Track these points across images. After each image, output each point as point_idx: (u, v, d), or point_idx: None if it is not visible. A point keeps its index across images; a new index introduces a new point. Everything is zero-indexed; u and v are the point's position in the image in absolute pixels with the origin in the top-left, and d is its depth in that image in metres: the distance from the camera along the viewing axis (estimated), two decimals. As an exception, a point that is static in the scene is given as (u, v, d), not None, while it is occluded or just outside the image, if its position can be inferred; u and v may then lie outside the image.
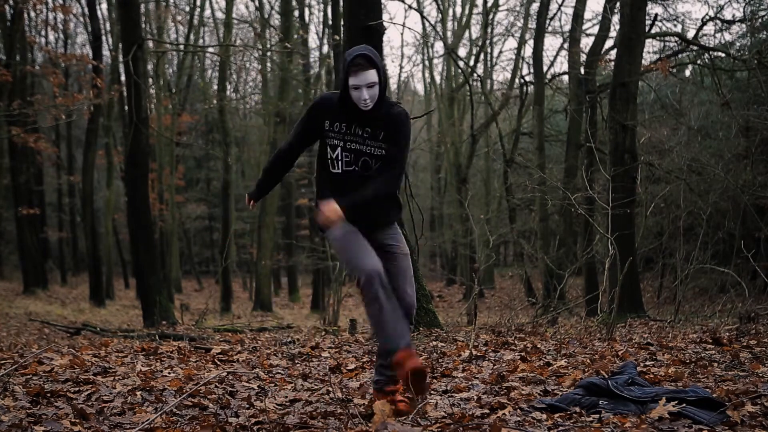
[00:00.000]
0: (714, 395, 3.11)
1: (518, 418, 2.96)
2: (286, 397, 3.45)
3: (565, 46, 20.65)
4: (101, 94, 17.52)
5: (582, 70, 16.77)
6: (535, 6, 21.59)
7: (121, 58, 13.80)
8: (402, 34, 45.86)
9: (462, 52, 26.05)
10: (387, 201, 3.18)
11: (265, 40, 22.25)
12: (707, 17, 15.16)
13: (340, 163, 3.11)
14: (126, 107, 14.66)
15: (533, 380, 3.85)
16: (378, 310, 2.98)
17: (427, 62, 29.13)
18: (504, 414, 3.03)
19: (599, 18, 17.93)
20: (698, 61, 15.39)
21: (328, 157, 3.13)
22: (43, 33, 26.15)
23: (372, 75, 2.93)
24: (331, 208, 3.01)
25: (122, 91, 18.05)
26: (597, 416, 2.95)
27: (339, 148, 3.09)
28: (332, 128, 3.09)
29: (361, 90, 2.94)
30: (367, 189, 3.06)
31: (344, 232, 3.09)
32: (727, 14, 29.17)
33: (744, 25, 15.40)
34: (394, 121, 3.07)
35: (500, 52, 51.49)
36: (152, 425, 2.81)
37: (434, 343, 5.57)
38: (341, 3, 12.93)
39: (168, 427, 2.82)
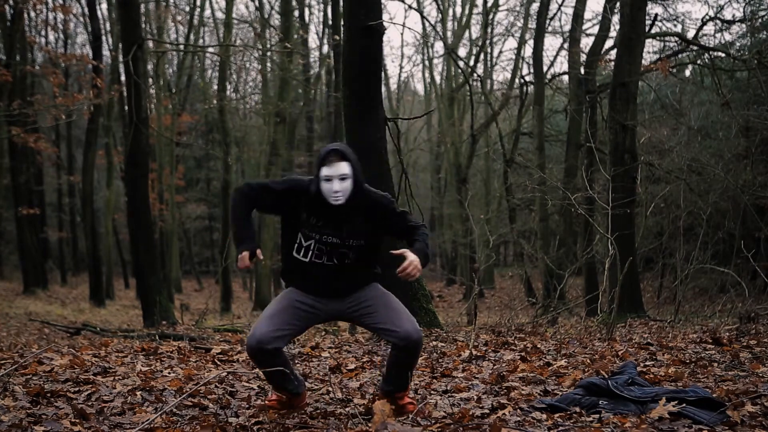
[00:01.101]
0: (714, 395, 3.11)
1: (518, 418, 2.96)
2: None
3: (565, 46, 20.66)
4: (101, 94, 17.51)
5: (582, 70, 16.77)
6: (535, 6, 21.60)
7: (121, 58, 13.79)
8: (402, 34, 45.85)
9: (462, 52, 26.07)
10: (355, 276, 3.10)
11: (265, 40, 22.25)
12: (707, 17, 15.16)
13: (310, 253, 3.04)
14: (126, 107, 14.65)
15: (533, 380, 3.85)
16: (257, 367, 3.11)
17: (427, 62, 29.15)
18: (504, 414, 3.03)
19: (599, 18, 17.95)
20: (698, 61, 15.39)
21: (298, 242, 3.06)
22: (43, 33, 26.16)
23: (344, 167, 2.90)
24: (243, 258, 2.99)
25: (122, 91, 18.04)
26: (597, 416, 2.95)
27: (313, 240, 3.02)
28: (309, 221, 3.02)
29: (333, 181, 2.90)
30: (419, 240, 3.05)
31: (283, 295, 3.12)
32: (727, 14, 29.17)
33: (744, 25, 15.40)
34: (377, 205, 3.04)
35: (500, 52, 51.47)
36: (152, 425, 2.81)
37: (434, 343, 5.57)
38: (341, 3, 12.92)
39: (168, 427, 2.82)
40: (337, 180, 2.90)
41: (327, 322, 3.36)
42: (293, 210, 3.03)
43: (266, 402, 3.27)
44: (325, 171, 2.91)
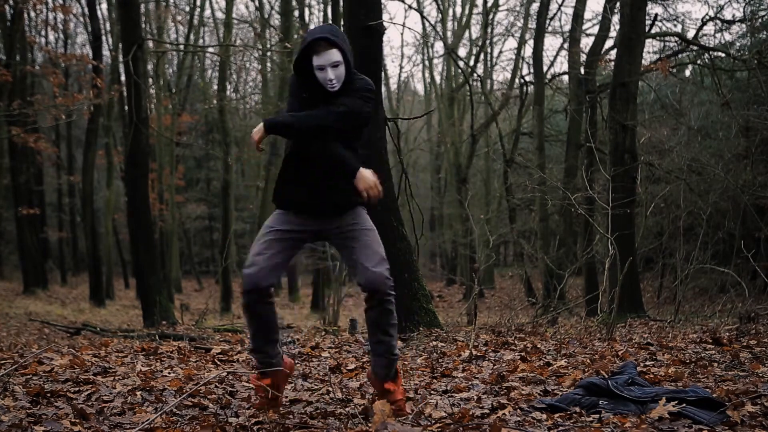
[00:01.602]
0: (714, 395, 3.11)
1: (518, 418, 2.96)
2: (286, 397, 3.44)
3: (565, 46, 20.67)
4: (101, 94, 17.51)
5: (582, 70, 16.78)
6: (535, 6, 21.62)
7: (121, 58, 13.80)
8: (402, 34, 45.89)
9: (462, 52, 26.08)
10: (348, 184, 2.98)
11: (265, 40, 22.26)
12: (707, 17, 15.17)
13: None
14: (126, 107, 14.66)
15: (533, 380, 3.85)
16: (248, 320, 3.04)
17: (427, 62, 29.17)
18: (504, 414, 3.03)
19: (599, 18, 17.96)
20: (698, 61, 15.40)
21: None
22: (43, 33, 26.17)
23: (335, 54, 2.82)
24: (256, 130, 2.95)
25: (122, 91, 18.05)
26: (597, 416, 2.95)
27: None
28: (307, 102, 2.96)
29: (326, 70, 2.83)
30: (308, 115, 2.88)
31: (267, 226, 3.02)
32: (727, 14, 29.19)
33: (744, 25, 15.41)
34: (361, 89, 2.95)
35: (500, 52, 51.51)
36: (152, 425, 2.81)
37: (434, 343, 5.57)
38: (341, 3, 12.94)
39: (168, 427, 2.82)
40: (330, 68, 2.83)
41: (314, 242, 3.24)
42: (298, 102, 2.97)
43: (257, 404, 3.20)
44: (316, 61, 2.83)
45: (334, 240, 3.07)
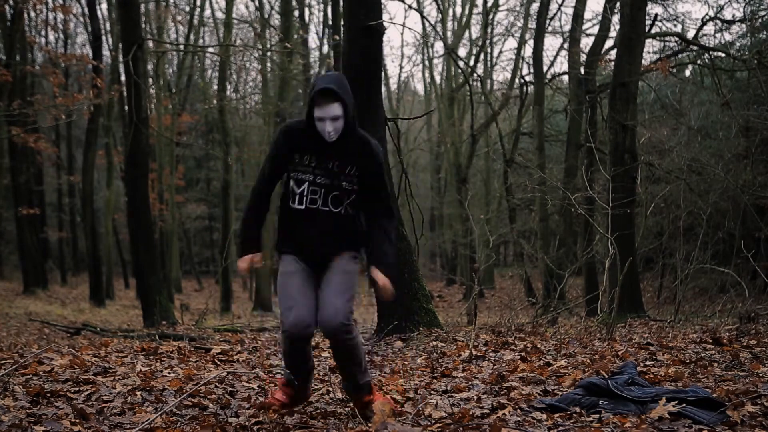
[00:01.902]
0: (714, 395, 3.11)
1: (518, 418, 2.96)
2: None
3: (565, 46, 20.66)
4: (101, 94, 17.51)
5: (582, 70, 16.77)
6: (535, 6, 21.61)
7: (121, 58, 13.79)
8: (402, 34, 45.87)
9: (462, 52, 26.07)
10: (345, 236, 3.09)
11: (265, 40, 22.24)
12: (707, 17, 15.17)
13: (304, 199, 3.02)
14: (126, 107, 14.65)
15: (533, 380, 3.85)
16: (290, 358, 3.10)
17: (427, 62, 29.16)
18: (504, 414, 3.03)
19: (599, 18, 17.95)
20: (698, 61, 15.39)
21: (291, 191, 3.05)
22: (43, 33, 26.16)
23: (336, 108, 2.89)
24: (243, 262, 3.10)
25: (122, 91, 18.04)
26: (597, 416, 2.95)
27: (306, 183, 3.01)
28: (302, 161, 3.02)
29: (325, 122, 2.90)
30: (385, 243, 3.05)
31: (285, 273, 3.08)
32: (727, 14, 29.18)
33: (744, 25, 15.40)
34: (364, 149, 3.02)
35: (500, 52, 51.47)
36: (152, 425, 2.81)
37: (434, 343, 5.57)
38: (341, 3, 12.92)
39: (168, 427, 2.82)
40: (329, 121, 2.90)
41: None
42: (290, 155, 3.04)
43: (267, 400, 3.26)
44: (317, 112, 2.90)
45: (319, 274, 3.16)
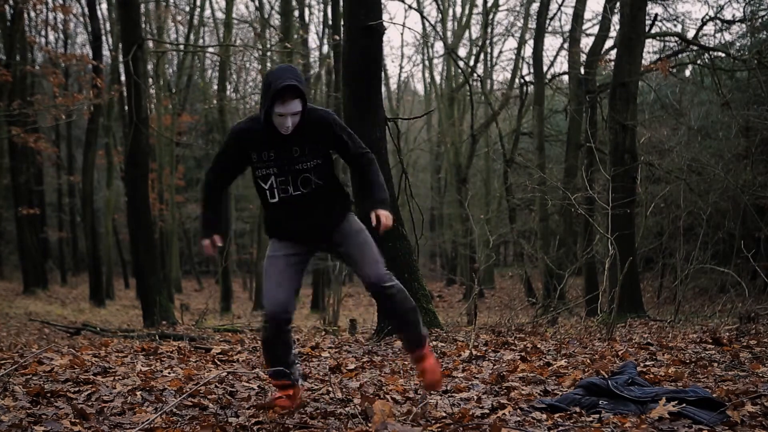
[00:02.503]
0: (714, 395, 3.11)
1: (518, 418, 2.96)
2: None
3: (565, 46, 20.67)
4: (101, 94, 17.51)
5: (582, 70, 16.77)
6: (535, 6, 21.62)
7: (121, 58, 13.79)
8: (402, 34, 45.89)
9: (462, 52, 26.08)
10: (329, 205, 3.15)
11: (265, 40, 22.25)
12: (707, 17, 15.17)
13: (276, 191, 3.09)
14: (126, 107, 14.66)
15: (533, 380, 3.85)
16: (269, 351, 3.19)
17: (427, 62, 29.17)
18: (504, 414, 3.03)
19: (599, 18, 17.96)
20: (698, 61, 15.39)
21: (261, 188, 3.12)
22: (43, 33, 26.16)
23: (297, 105, 2.92)
24: (205, 246, 3.17)
25: (122, 91, 18.05)
26: (597, 416, 2.95)
27: (273, 177, 3.07)
28: (261, 158, 3.06)
29: (286, 118, 2.92)
30: (374, 186, 3.12)
31: (270, 257, 3.16)
32: (727, 14, 29.18)
33: (744, 25, 15.40)
34: (320, 126, 3.05)
35: (500, 52, 51.48)
36: (152, 425, 2.81)
37: (434, 343, 5.57)
38: (341, 3, 12.92)
39: (168, 427, 2.82)
40: (290, 116, 2.93)
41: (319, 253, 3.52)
42: (246, 156, 3.09)
43: (278, 402, 3.24)
44: (278, 108, 2.91)
45: (333, 253, 3.28)
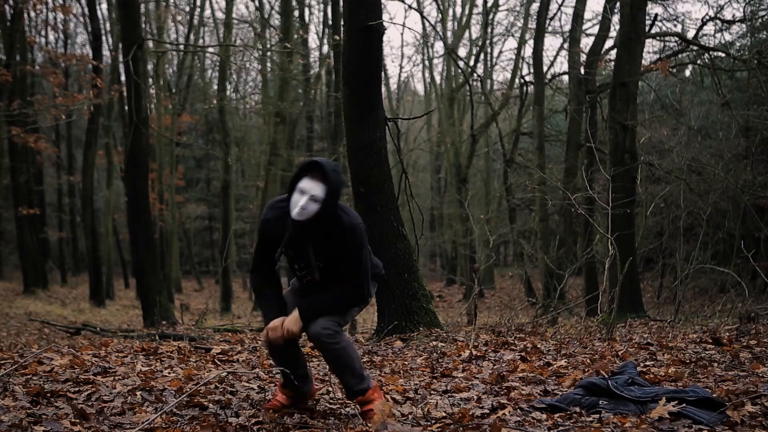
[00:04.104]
0: (714, 395, 3.11)
1: (518, 418, 2.96)
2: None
3: (565, 46, 20.66)
4: (101, 94, 17.52)
5: (582, 70, 16.77)
6: (535, 6, 21.61)
7: (121, 58, 13.81)
8: (402, 34, 45.86)
9: (462, 52, 26.06)
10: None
11: (265, 40, 22.25)
12: (707, 17, 15.17)
13: (296, 272, 3.15)
14: (126, 107, 14.66)
15: (533, 380, 3.85)
16: (277, 362, 3.24)
17: (427, 62, 29.17)
18: (504, 414, 3.03)
19: (599, 18, 17.95)
20: (698, 61, 15.38)
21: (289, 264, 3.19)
22: (43, 33, 26.14)
23: (318, 189, 2.85)
24: (272, 330, 3.05)
25: (122, 91, 18.04)
26: (597, 416, 2.95)
27: (294, 267, 3.13)
28: (284, 253, 3.06)
29: (304, 195, 2.86)
30: (329, 292, 3.04)
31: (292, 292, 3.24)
32: (727, 14, 29.11)
33: (744, 25, 15.40)
34: (341, 237, 2.98)
35: (500, 52, 51.56)
36: (152, 425, 2.81)
37: (434, 343, 5.57)
38: (341, 3, 12.92)
39: (168, 427, 2.82)
40: (308, 198, 2.86)
41: None
42: (271, 248, 3.06)
43: (268, 404, 3.27)
44: (302, 183, 2.88)
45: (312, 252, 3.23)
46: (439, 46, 28.70)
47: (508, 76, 29.68)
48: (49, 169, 28.15)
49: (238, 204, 29.65)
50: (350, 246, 2.98)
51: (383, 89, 10.27)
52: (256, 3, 23.24)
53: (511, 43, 50.87)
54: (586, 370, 4.06)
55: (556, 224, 18.38)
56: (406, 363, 4.58)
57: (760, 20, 15.03)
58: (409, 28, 29.36)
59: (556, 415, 3.01)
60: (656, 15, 15.39)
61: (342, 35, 6.59)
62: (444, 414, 3.06)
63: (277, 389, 3.36)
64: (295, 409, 3.22)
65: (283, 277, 5.16)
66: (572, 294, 16.30)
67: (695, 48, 14.71)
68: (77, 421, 2.87)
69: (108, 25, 22.63)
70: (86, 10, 21.10)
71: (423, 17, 21.18)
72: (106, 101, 19.88)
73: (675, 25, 18.43)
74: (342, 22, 6.92)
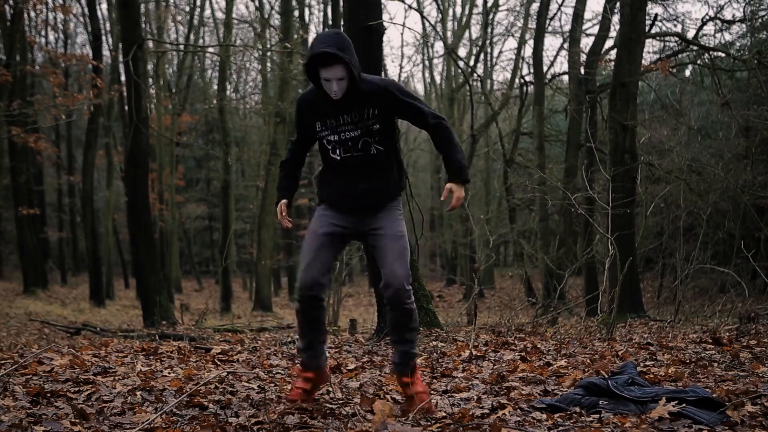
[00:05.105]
0: (714, 395, 3.11)
1: (518, 418, 2.96)
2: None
3: (565, 46, 20.67)
4: (101, 94, 17.52)
5: (582, 70, 16.77)
6: (535, 6, 21.61)
7: (121, 58, 13.81)
8: (402, 34, 45.89)
9: (462, 52, 26.08)
10: (387, 172, 3.20)
11: (265, 40, 22.26)
12: (707, 17, 15.17)
13: (338, 150, 3.16)
14: (126, 107, 14.66)
15: (533, 380, 3.85)
16: (300, 322, 3.25)
17: (427, 62, 29.23)
18: (504, 414, 3.03)
19: (599, 18, 17.96)
20: (698, 61, 15.38)
21: (325, 147, 3.20)
22: (43, 33, 26.16)
23: (340, 70, 2.95)
24: (279, 211, 3.33)
25: (122, 91, 18.05)
26: (597, 416, 2.95)
27: (334, 142, 3.14)
28: (324, 127, 3.14)
29: (331, 82, 2.98)
30: (452, 152, 3.14)
31: (312, 231, 3.24)
32: (727, 14, 29.12)
33: (744, 25, 15.40)
34: (376, 94, 3.07)
35: (500, 52, 51.57)
36: (152, 425, 2.81)
37: (434, 343, 5.57)
38: (341, 3, 12.92)
39: (168, 427, 2.82)
40: (336, 81, 2.97)
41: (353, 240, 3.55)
42: (313, 126, 3.17)
43: (289, 396, 3.31)
44: (323, 74, 2.97)
45: (367, 240, 3.27)
46: (439, 46, 28.74)
47: (508, 76, 29.71)
48: (49, 169, 28.16)
49: (238, 204, 29.66)
50: (393, 95, 3.09)
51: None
52: (256, 3, 23.26)
53: (511, 43, 50.92)
54: (586, 370, 4.06)
55: (556, 224, 18.38)
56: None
57: (760, 20, 15.03)
58: (409, 28, 29.50)
59: (556, 415, 3.01)
60: (656, 15, 15.40)
61: (342, 35, 6.58)
62: (444, 414, 3.06)
63: (296, 377, 3.39)
64: (314, 394, 3.29)
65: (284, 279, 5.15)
66: (572, 294, 16.30)
67: (695, 48, 14.71)
68: (77, 421, 2.87)
69: (108, 25, 22.65)
70: (86, 10, 21.12)
71: (423, 17, 21.20)
72: (106, 101, 19.89)
73: (675, 25, 18.46)
74: (342, 22, 6.93)
